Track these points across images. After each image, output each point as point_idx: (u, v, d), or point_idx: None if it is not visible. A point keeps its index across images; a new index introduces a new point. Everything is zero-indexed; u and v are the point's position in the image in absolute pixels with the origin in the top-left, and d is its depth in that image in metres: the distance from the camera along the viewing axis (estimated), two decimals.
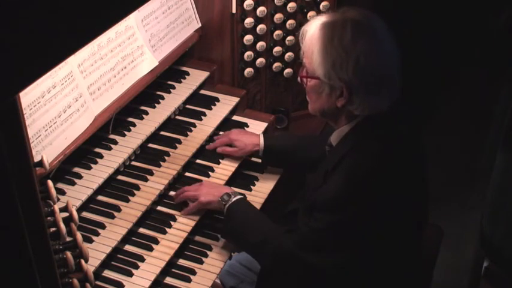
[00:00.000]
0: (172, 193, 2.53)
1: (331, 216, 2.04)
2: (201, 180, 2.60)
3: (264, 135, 2.70)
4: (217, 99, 2.95)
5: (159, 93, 2.83)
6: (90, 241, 2.22)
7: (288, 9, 2.98)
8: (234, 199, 2.36)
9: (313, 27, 2.07)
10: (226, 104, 2.94)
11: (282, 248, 2.17)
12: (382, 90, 2.02)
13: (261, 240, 2.23)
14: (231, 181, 2.66)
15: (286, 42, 3.04)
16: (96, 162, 2.43)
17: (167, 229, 2.39)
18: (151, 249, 2.31)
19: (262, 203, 2.61)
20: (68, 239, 1.78)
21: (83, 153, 2.44)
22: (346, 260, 2.06)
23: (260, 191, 2.66)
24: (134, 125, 2.64)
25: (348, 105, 2.04)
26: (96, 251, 2.18)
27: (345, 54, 1.97)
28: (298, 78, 2.17)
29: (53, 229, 1.72)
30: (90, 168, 2.40)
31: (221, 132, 2.87)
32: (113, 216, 2.33)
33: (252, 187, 2.68)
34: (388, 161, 2.06)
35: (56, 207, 1.75)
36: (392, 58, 2.03)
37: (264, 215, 2.35)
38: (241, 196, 2.40)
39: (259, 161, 2.73)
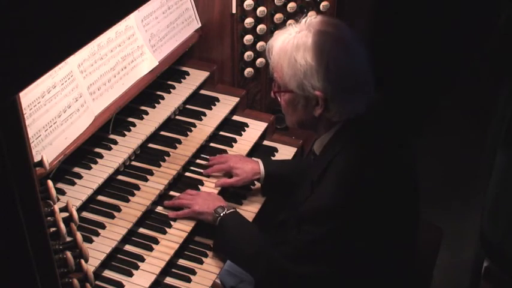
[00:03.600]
0: (172, 194, 2.54)
1: (320, 227, 2.02)
2: (201, 181, 2.60)
3: (263, 162, 2.62)
4: (217, 99, 2.95)
5: (159, 93, 2.83)
6: (90, 241, 2.22)
7: (288, 9, 2.98)
8: (227, 212, 2.35)
9: (279, 41, 2.08)
10: (226, 104, 2.94)
11: (274, 260, 2.16)
12: (357, 92, 2.02)
13: (254, 253, 2.23)
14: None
15: None
16: (96, 162, 2.43)
17: (167, 229, 2.39)
18: (151, 249, 2.31)
19: (262, 203, 2.61)
20: (68, 239, 1.78)
21: (83, 153, 2.44)
22: (340, 268, 2.06)
23: (260, 191, 2.66)
24: (134, 125, 2.64)
25: (325, 112, 2.03)
26: (96, 251, 2.18)
27: (314, 63, 1.97)
28: (272, 94, 2.16)
29: (53, 229, 1.72)
30: (90, 168, 2.41)
31: (221, 132, 2.87)
32: (113, 216, 2.33)
33: (251, 187, 2.67)
34: (373, 165, 2.05)
35: (56, 207, 1.75)
36: (362, 59, 2.02)
37: (257, 228, 2.33)
38: (234, 210, 2.39)
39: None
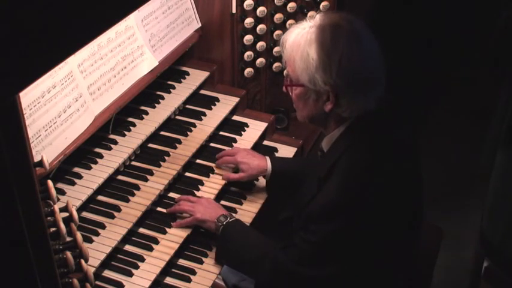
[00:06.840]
0: (172, 194, 2.54)
1: (326, 225, 2.01)
2: (201, 181, 2.60)
3: (271, 158, 2.62)
4: (217, 99, 2.95)
5: (159, 93, 2.83)
6: (90, 241, 2.22)
7: (288, 9, 2.98)
8: (230, 220, 2.34)
9: (293, 35, 2.07)
10: (226, 104, 2.94)
11: (280, 263, 2.15)
12: (368, 89, 2.01)
13: (259, 258, 2.22)
14: (231, 181, 2.66)
15: None
16: (96, 162, 2.43)
17: (167, 229, 2.39)
18: (151, 249, 2.31)
19: (262, 203, 2.61)
20: (68, 239, 1.78)
21: (83, 153, 2.44)
22: (345, 269, 2.05)
23: (260, 191, 2.66)
24: (134, 125, 2.64)
25: (336, 108, 2.02)
26: (96, 251, 2.18)
27: (326, 58, 1.96)
28: (283, 88, 2.16)
29: (53, 229, 1.72)
30: (90, 168, 2.41)
31: (221, 132, 2.88)
32: (113, 216, 2.33)
33: (252, 187, 2.68)
34: (381, 163, 2.05)
35: (56, 207, 1.75)
36: (375, 57, 2.02)
37: (259, 233, 2.32)
38: (236, 218, 2.38)
39: None
